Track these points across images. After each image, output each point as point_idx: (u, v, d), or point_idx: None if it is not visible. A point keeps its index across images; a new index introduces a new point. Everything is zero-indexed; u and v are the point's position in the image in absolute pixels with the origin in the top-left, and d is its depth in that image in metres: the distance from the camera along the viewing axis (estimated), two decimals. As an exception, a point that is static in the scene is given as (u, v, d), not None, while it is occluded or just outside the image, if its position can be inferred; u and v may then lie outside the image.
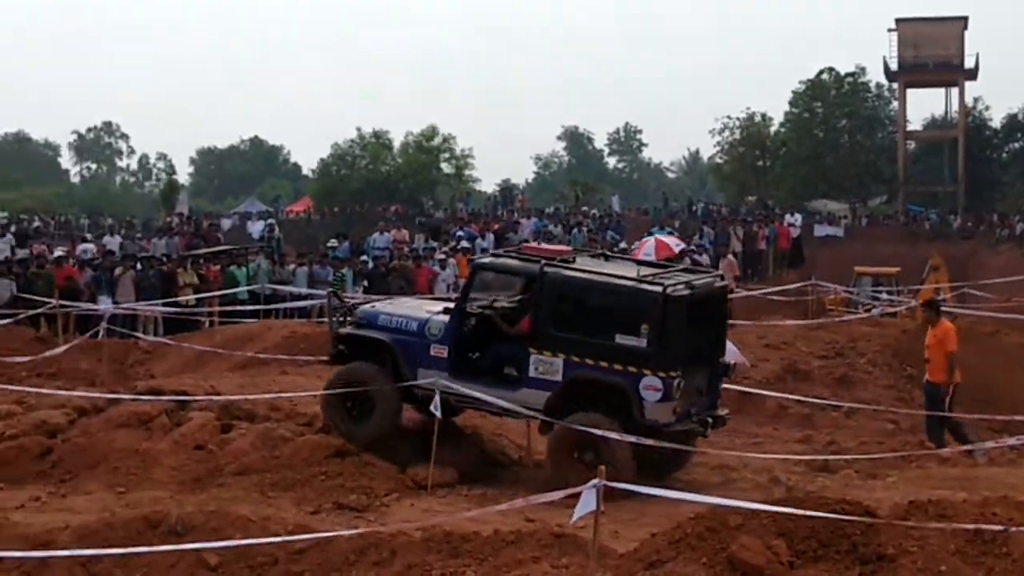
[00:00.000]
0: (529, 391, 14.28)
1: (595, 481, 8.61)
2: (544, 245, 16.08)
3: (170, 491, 13.46)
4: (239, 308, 28.61)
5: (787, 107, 78.96)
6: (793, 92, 78.36)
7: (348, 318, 15.83)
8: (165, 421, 15.17)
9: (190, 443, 14.68)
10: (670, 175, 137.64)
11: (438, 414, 13.97)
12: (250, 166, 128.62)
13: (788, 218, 50.97)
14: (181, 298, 27.88)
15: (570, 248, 16.02)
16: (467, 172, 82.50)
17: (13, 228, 48.16)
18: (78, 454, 14.64)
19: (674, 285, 14.13)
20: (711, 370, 15.03)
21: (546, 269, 14.48)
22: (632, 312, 13.99)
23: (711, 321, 14.95)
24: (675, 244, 36.93)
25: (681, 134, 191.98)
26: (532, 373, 14.28)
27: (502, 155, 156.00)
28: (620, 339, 13.93)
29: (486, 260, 16.32)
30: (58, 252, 33.39)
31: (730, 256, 31.68)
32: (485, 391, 14.46)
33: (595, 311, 14.27)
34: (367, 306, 16.22)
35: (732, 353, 21.65)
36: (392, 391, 14.77)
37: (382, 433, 14.83)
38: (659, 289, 13.92)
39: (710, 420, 14.75)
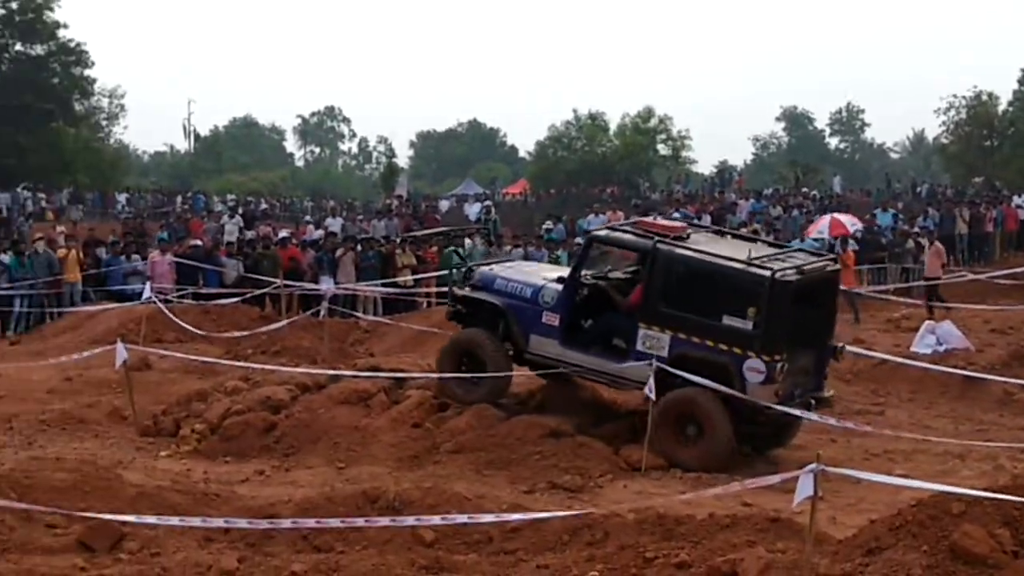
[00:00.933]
0: (634, 364, 14.44)
1: (812, 466, 8.43)
2: (660, 221, 16.32)
3: (388, 467, 13.72)
4: (456, 289, 28.91)
5: (1016, 86, 76.24)
6: (1022, 70, 75.67)
7: (469, 278, 16.25)
8: (383, 399, 15.44)
9: (407, 420, 14.91)
10: (893, 155, 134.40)
11: (651, 395, 13.93)
12: (468, 148, 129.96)
13: (1016, 200, 49.14)
14: (399, 279, 28.30)
15: (684, 225, 16.21)
16: (684, 153, 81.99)
17: (241, 210, 49.66)
18: (300, 429, 15.01)
19: (783, 270, 14.20)
20: (818, 352, 15.08)
21: (659, 246, 14.66)
22: (740, 294, 14.12)
23: (821, 304, 15.05)
24: (850, 223, 36.26)
25: (905, 114, 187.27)
26: (640, 347, 14.51)
27: (719, 136, 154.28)
28: (727, 320, 14.11)
29: (602, 233, 16.50)
30: (283, 233, 34.24)
31: (937, 243, 30.65)
32: (594, 361, 14.87)
33: (704, 291, 14.41)
34: (485, 268, 16.55)
35: (956, 337, 21.20)
36: (503, 357, 15.32)
37: (494, 395, 15.33)
38: (767, 273, 13.98)
39: (813, 402, 14.90)
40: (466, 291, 15.99)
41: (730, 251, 14.82)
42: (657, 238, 14.81)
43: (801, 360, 14.62)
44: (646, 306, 14.58)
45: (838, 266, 16.19)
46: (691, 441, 14.19)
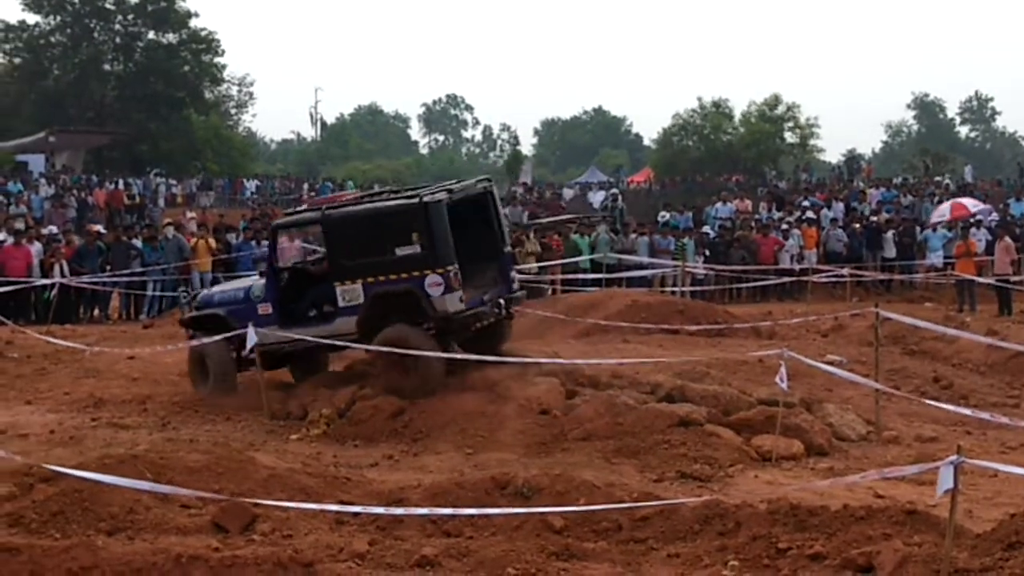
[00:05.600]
0: (342, 319, 16.23)
1: (953, 457, 8.23)
2: (332, 195, 18.00)
3: (516, 454, 13.67)
4: (581, 276, 28.90)
5: None
6: None
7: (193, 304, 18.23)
8: (510, 385, 15.43)
9: (535, 407, 14.86)
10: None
11: (784, 387, 13.76)
12: (592, 136, 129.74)
13: None
14: (524, 266, 28.26)
15: (356, 192, 17.50)
16: (811, 142, 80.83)
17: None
18: (428, 415, 15.05)
19: (431, 193, 16.04)
20: (498, 261, 17.06)
21: (326, 212, 16.67)
22: (401, 226, 15.83)
23: (483, 217, 16.85)
24: (972, 205, 35.62)
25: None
26: (342, 303, 16.22)
27: (848, 124, 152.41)
28: (399, 251, 15.81)
29: (282, 221, 18.43)
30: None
31: (1007, 239, 29.81)
32: (311, 331, 16.49)
33: (372, 235, 16.06)
34: (204, 291, 19.22)
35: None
36: (226, 356, 17.02)
37: (222, 390, 16.94)
38: (417, 200, 15.85)
39: (503, 301, 16.73)
40: (190, 314, 17.91)
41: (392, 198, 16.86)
42: (326, 207, 16.91)
43: (485, 272, 16.63)
44: (334, 266, 16.28)
45: (491, 183, 17.54)
46: (410, 370, 15.40)
